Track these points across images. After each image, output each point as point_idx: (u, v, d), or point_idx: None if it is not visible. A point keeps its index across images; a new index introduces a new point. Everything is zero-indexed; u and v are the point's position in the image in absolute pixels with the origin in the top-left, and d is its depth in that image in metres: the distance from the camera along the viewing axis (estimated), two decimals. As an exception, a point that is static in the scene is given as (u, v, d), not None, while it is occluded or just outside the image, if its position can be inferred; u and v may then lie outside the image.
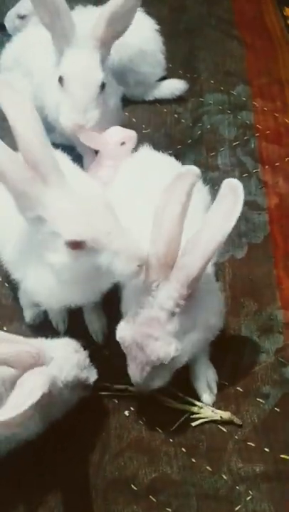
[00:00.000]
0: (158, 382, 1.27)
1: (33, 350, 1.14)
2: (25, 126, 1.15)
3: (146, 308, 1.19)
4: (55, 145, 1.88)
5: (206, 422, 1.38)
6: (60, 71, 1.62)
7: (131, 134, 1.72)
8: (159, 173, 1.54)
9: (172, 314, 1.18)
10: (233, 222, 1.14)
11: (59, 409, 1.26)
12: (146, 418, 1.38)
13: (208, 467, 1.32)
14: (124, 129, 1.73)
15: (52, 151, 1.18)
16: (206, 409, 1.38)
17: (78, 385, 1.24)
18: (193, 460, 1.33)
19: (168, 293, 1.17)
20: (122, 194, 1.54)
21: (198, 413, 1.38)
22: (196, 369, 1.42)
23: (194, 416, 1.38)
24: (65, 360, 1.21)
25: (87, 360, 1.28)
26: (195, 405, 1.39)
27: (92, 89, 1.61)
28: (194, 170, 1.21)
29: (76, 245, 1.11)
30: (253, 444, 1.35)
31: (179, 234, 1.17)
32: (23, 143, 1.14)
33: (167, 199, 1.18)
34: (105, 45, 1.64)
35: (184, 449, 1.35)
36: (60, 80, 1.62)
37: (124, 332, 1.23)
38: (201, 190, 1.61)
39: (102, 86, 1.63)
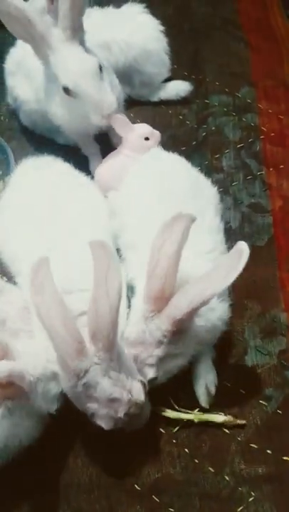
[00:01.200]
0: None
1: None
2: (104, 297, 1.14)
3: (139, 332, 1.24)
4: (61, 146, 1.91)
5: (209, 424, 1.38)
6: (61, 83, 1.60)
7: (156, 133, 1.80)
8: (170, 174, 1.56)
9: (160, 342, 1.23)
10: (227, 283, 1.18)
11: (48, 401, 1.25)
12: (150, 419, 1.39)
13: (210, 468, 1.33)
14: (152, 128, 1.81)
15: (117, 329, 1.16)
16: (209, 415, 1.39)
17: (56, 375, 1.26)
18: (196, 461, 1.35)
19: (158, 324, 1.22)
20: (134, 193, 1.55)
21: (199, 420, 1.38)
22: (197, 371, 1.43)
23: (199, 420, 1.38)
24: (32, 356, 1.24)
25: None
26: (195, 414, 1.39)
27: (97, 79, 1.61)
28: (191, 215, 1.25)
29: None
30: (255, 446, 1.36)
31: (175, 270, 1.22)
32: (94, 311, 1.14)
33: (164, 238, 1.22)
34: (76, 27, 1.62)
35: (186, 450, 1.36)
36: (67, 91, 1.60)
37: None
38: (211, 189, 1.63)
39: (100, 68, 1.62)
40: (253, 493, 1.30)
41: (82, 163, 1.75)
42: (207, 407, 1.40)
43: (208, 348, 1.45)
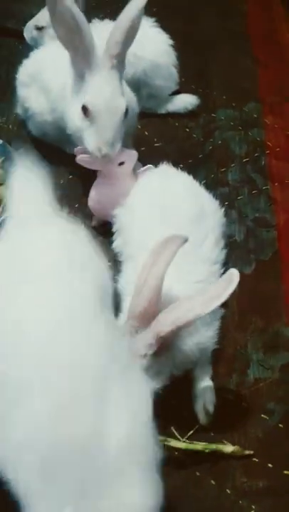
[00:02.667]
0: None
1: None
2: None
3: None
4: (70, 155, 1.93)
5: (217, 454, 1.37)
6: (83, 99, 1.59)
7: (130, 154, 1.69)
8: (176, 195, 1.58)
9: (144, 356, 1.25)
10: (209, 309, 1.19)
11: None
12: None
13: (212, 481, 1.34)
14: (124, 149, 1.68)
15: None
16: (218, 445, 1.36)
17: None
18: (198, 473, 1.35)
19: (142, 339, 1.25)
20: (139, 208, 1.57)
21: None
22: (195, 390, 1.44)
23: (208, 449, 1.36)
24: None
25: None
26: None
27: (118, 120, 1.59)
28: (183, 235, 1.29)
29: None
30: (257, 460, 1.36)
31: (160, 290, 1.27)
32: None
33: (155, 259, 1.27)
34: (121, 58, 1.61)
35: (188, 463, 1.36)
36: (84, 109, 1.58)
37: None
38: (216, 216, 1.63)
39: (125, 112, 1.61)
40: (253, 507, 1.29)
41: (90, 172, 1.76)
42: (206, 425, 1.40)
43: (206, 366, 1.47)
